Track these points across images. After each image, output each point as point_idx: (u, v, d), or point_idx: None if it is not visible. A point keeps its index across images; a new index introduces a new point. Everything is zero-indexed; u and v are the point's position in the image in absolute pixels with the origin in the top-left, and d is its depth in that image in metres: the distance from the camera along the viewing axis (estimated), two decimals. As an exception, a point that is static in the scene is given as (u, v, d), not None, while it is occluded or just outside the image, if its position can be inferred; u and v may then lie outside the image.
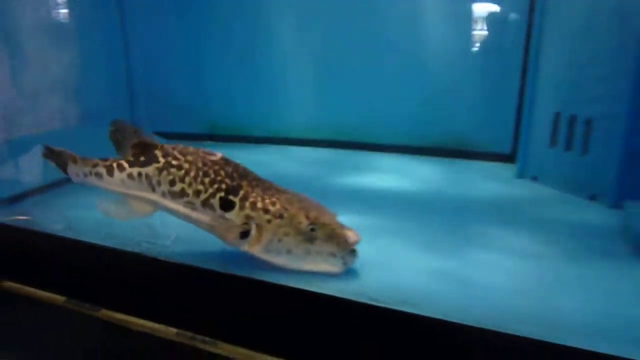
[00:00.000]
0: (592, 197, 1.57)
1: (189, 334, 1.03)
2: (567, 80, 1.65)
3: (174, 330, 1.05)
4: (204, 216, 1.03)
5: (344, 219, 1.05)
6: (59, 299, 1.17)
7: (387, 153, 2.19)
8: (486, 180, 1.80)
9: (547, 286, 1.03)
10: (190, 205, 1.04)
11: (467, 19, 2.04)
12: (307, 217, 1.01)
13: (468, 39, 2.05)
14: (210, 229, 1.04)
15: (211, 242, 1.07)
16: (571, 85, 1.63)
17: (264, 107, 2.46)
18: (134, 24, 2.56)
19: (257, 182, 1.06)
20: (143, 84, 2.66)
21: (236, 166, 1.07)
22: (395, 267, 1.09)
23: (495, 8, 2.00)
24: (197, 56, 2.53)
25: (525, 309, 0.92)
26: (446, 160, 2.08)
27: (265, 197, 1.03)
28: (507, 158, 2.01)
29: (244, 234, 1.01)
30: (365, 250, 1.04)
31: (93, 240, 1.14)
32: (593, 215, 1.45)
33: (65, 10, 2.20)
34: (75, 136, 2.13)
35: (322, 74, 2.29)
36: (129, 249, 1.10)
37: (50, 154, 1.22)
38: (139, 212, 1.09)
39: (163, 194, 1.06)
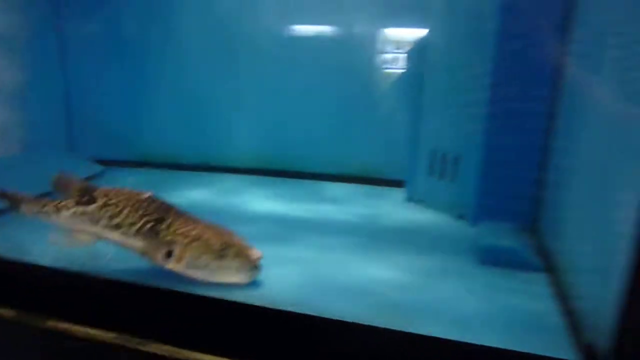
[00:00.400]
0: (460, 217, 1.95)
1: (125, 336, 1.29)
2: (439, 122, 2.04)
3: (112, 334, 1.30)
4: (136, 242, 1.31)
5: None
6: (11, 313, 1.39)
7: (302, 180, 2.51)
8: (379, 203, 2.17)
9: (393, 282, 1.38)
10: (125, 234, 1.31)
11: (367, 61, 2.40)
12: (220, 240, 1.30)
13: (370, 81, 2.41)
14: (141, 252, 1.32)
15: (141, 262, 1.34)
16: (442, 126, 2.02)
17: (191, 137, 2.73)
18: (73, 55, 2.77)
19: (179, 214, 1.34)
20: (81, 113, 2.85)
21: (162, 202, 1.35)
22: (286, 278, 1.41)
23: (393, 48, 2.35)
24: (132, 87, 2.76)
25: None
26: (352, 185, 2.43)
27: (186, 225, 1.31)
28: (403, 184, 2.37)
29: (169, 254, 1.29)
30: (266, 265, 1.35)
31: (42, 262, 1.38)
32: (456, 231, 1.84)
33: (3, 39, 2.36)
34: (16, 164, 2.30)
35: (239, 106, 2.60)
36: (73, 268, 1.35)
37: (2, 196, 1.45)
38: (83, 241, 1.35)
39: (103, 227, 1.33)
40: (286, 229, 1.80)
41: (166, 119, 2.75)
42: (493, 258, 1.53)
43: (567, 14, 1.65)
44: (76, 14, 2.73)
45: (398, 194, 2.27)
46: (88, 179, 2.39)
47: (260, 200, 2.18)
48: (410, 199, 2.19)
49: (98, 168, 2.60)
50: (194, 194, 2.24)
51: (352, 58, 2.40)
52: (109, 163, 2.73)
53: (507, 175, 1.79)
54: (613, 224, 1.05)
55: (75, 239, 1.36)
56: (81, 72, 2.79)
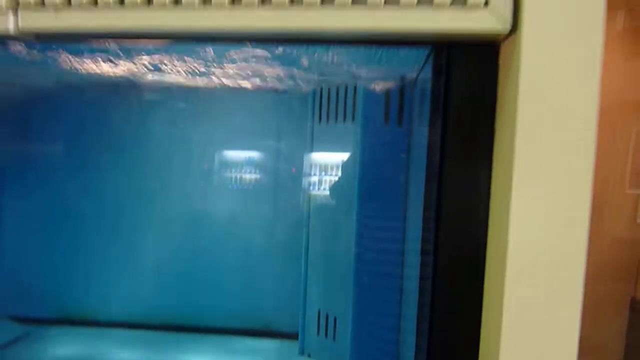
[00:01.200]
0: (341, 370, 2.34)
1: None
2: (321, 284, 2.50)
3: None
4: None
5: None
6: None
7: (204, 334, 2.82)
8: (271, 357, 2.52)
9: None
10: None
11: (265, 223, 2.87)
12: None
13: (272, 239, 2.86)
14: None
15: None
16: (323, 289, 2.48)
17: (112, 295, 3.00)
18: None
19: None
20: (3, 270, 3.05)
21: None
22: None
23: (282, 214, 2.85)
24: (53, 246, 3.04)
25: None
26: (249, 338, 2.78)
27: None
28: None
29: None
30: None
31: None
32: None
33: None
34: None
35: (150, 262, 2.95)
36: None
37: None
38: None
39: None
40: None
41: (85, 278, 3.02)
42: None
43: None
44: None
45: (293, 347, 2.64)
46: (11, 342, 2.60)
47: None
48: (301, 352, 2.56)
49: (21, 329, 2.76)
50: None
51: (250, 218, 2.87)
52: (32, 322, 2.90)
53: (373, 335, 2.23)
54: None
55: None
56: (5, 233, 3.04)
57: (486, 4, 0.78)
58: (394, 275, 2.24)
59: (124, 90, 2.61)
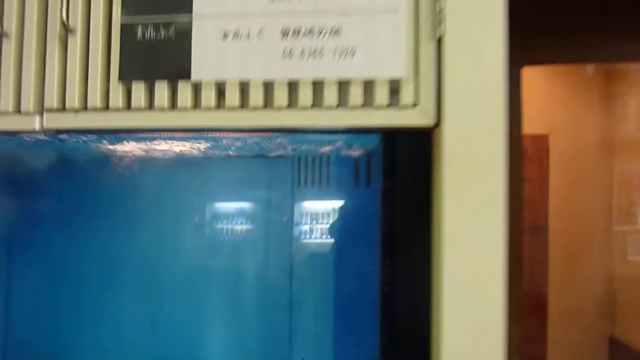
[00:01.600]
0: (326, 419, 2.46)
1: None
2: (306, 335, 2.64)
3: None
4: None
5: None
6: None
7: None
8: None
9: None
10: None
11: (249, 277, 3.02)
12: None
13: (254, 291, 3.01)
14: None
15: None
16: (308, 340, 2.62)
17: (102, 351, 3.10)
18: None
19: None
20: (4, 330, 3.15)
21: None
22: None
23: (260, 268, 3.01)
24: (54, 307, 3.15)
25: None
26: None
27: None
28: (285, 388, 2.86)
29: None
30: None
31: None
32: None
33: None
34: None
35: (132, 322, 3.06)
36: None
37: None
38: None
39: None
40: None
41: (87, 335, 3.12)
42: None
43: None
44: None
45: (280, 398, 2.75)
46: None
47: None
48: (287, 404, 2.68)
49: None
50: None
51: (235, 273, 3.01)
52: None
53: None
54: None
55: None
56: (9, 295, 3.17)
57: (414, 105, 1.01)
58: (369, 332, 2.39)
59: (121, 163, 2.82)
